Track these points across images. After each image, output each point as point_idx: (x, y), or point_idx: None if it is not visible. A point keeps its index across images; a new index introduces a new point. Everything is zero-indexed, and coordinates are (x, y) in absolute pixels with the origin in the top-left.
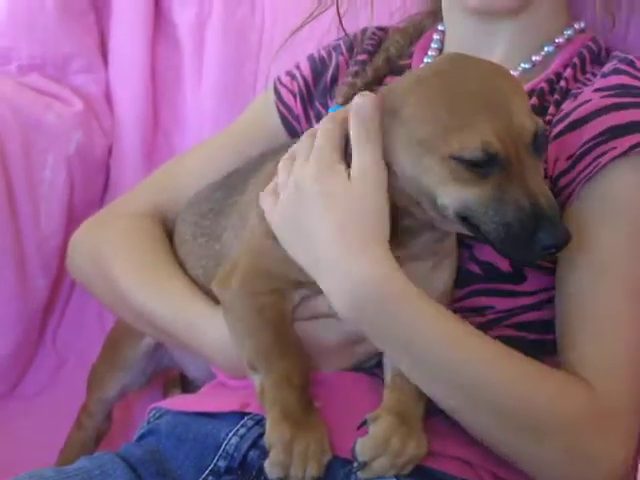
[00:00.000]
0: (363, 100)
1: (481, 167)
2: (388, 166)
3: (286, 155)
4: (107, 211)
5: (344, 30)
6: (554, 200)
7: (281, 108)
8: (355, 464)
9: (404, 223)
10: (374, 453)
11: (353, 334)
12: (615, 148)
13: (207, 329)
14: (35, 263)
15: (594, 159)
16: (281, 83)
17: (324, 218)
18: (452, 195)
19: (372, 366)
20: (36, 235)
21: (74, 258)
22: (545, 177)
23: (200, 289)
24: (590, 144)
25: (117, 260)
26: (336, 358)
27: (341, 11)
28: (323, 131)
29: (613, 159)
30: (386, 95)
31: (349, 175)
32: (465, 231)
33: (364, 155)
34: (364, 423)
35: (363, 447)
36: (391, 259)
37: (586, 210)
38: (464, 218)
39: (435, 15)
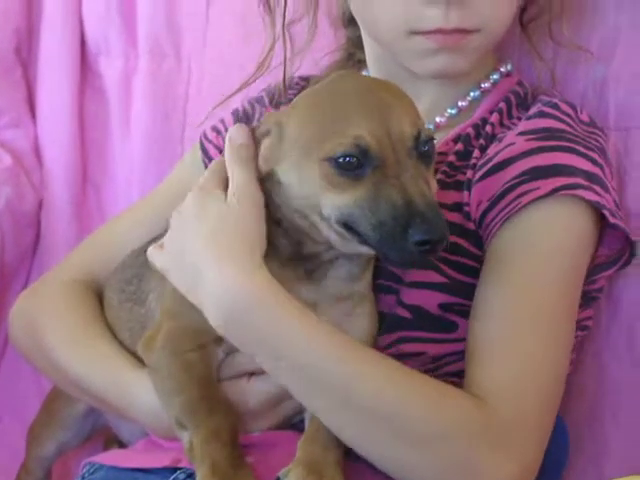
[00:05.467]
0: (236, 130)
1: (355, 168)
2: (279, 186)
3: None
4: (41, 281)
5: (285, 87)
6: (432, 199)
7: (208, 164)
8: None
9: (308, 250)
10: None
11: (277, 394)
12: (538, 188)
13: (138, 394)
14: None
15: (516, 197)
16: (207, 139)
17: (198, 237)
18: (331, 202)
19: (299, 422)
20: None
21: (13, 331)
22: (469, 220)
23: (128, 353)
24: (512, 182)
25: (50, 331)
26: (262, 418)
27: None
28: (210, 166)
29: (535, 200)
30: (275, 116)
31: None
32: (358, 246)
33: (237, 178)
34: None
35: None
36: (263, 269)
37: (504, 245)
38: (347, 225)
39: (360, 62)
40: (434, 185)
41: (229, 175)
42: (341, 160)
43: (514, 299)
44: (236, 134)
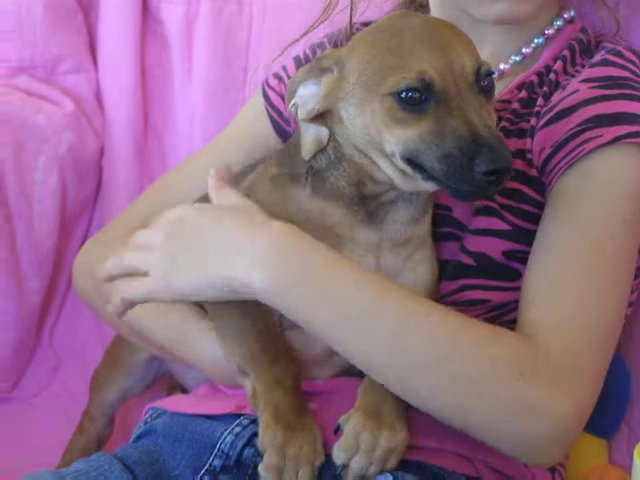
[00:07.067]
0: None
1: (419, 102)
2: (341, 123)
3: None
4: (103, 232)
5: (351, 30)
6: (494, 129)
7: (271, 112)
8: (338, 468)
9: (368, 191)
10: (348, 453)
11: None
12: (601, 136)
13: (201, 343)
14: (29, 265)
15: (579, 145)
16: (269, 86)
17: (215, 227)
18: (395, 137)
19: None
20: (30, 237)
21: (77, 281)
22: (531, 167)
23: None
24: (576, 130)
25: None
26: (325, 365)
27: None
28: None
29: (599, 147)
30: (335, 53)
31: None
32: (421, 181)
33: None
34: (339, 427)
35: (338, 449)
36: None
37: (567, 191)
38: (411, 161)
39: (423, 7)
40: (494, 118)
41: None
42: (404, 95)
43: (575, 242)
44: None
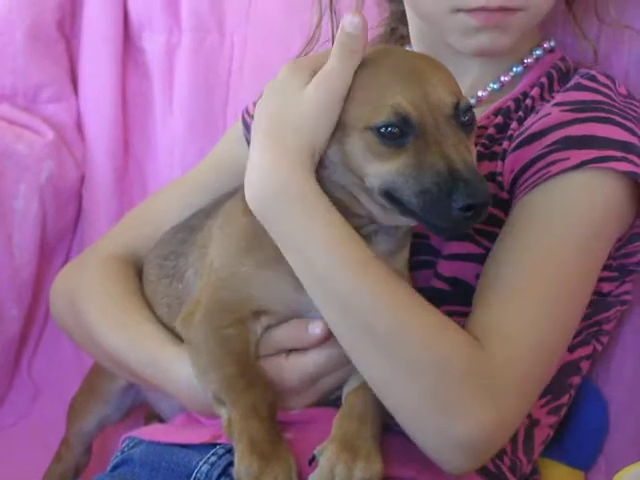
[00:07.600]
0: (350, 17)
1: (398, 136)
2: (321, 161)
3: None
4: (82, 257)
5: None
6: (473, 164)
7: (250, 140)
8: None
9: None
10: None
11: (314, 371)
12: (568, 159)
13: (176, 370)
14: (8, 293)
15: (546, 166)
16: (249, 114)
17: (270, 112)
18: (375, 171)
19: (337, 398)
20: (9, 265)
21: (54, 307)
22: (502, 190)
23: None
24: (544, 151)
25: (91, 307)
26: (300, 395)
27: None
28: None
29: (564, 170)
30: None
31: None
32: (399, 216)
33: (327, 65)
34: (314, 458)
35: None
36: (306, 168)
37: (530, 208)
38: (389, 195)
39: (403, 38)
40: (474, 153)
41: (330, 58)
42: (383, 130)
43: (531, 256)
44: (349, 21)
